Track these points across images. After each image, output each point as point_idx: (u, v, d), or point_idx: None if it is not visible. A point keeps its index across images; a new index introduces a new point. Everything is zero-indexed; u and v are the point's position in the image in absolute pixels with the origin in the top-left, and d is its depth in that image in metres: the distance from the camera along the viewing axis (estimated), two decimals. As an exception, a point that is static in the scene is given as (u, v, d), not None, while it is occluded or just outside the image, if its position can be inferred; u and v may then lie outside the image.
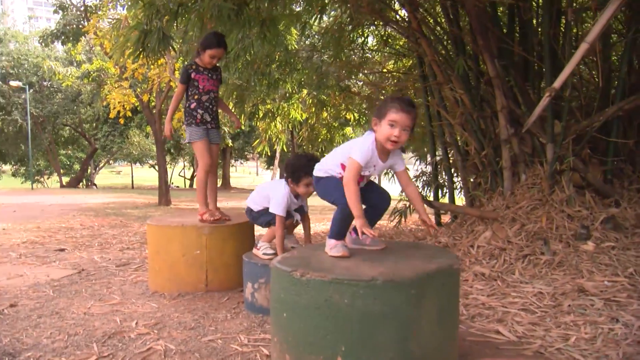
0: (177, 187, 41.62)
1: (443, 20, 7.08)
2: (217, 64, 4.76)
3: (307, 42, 9.98)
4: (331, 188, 2.71)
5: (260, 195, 3.89)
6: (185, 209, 14.45)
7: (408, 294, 2.10)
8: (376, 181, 2.99)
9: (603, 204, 5.62)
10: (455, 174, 7.13)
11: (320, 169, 2.81)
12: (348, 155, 2.62)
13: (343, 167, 2.67)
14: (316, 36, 10.23)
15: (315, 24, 8.63)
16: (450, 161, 7.03)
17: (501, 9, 7.04)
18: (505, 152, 5.98)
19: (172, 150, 33.81)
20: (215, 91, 4.68)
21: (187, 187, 41.75)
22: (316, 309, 2.14)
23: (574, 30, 6.43)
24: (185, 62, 8.96)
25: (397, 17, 7.43)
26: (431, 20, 7.45)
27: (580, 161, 5.92)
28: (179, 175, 45.60)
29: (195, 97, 4.53)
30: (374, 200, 2.82)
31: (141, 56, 6.09)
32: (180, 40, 6.82)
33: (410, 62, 8.80)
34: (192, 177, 40.70)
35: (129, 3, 6.77)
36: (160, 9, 5.93)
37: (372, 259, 2.45)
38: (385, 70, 9.39)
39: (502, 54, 6.11)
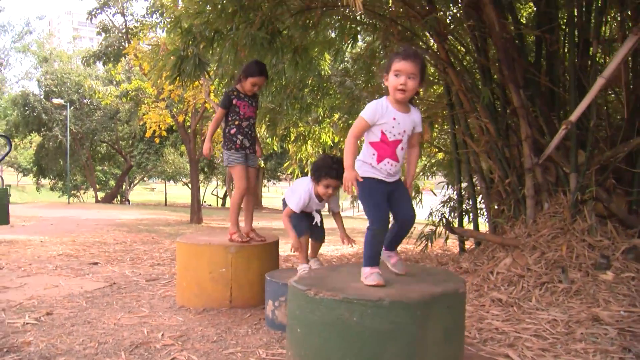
0: (210, 205, 42.12)
1: (472, 49, 7.23)
2: (257, 92, 4.84)
3: (339, 67, 10.20)
4: (362, 196, 2.70)
5: (291, 189, 4.02)
6: (216, 228, 14.73)
7: (414, 315, 2.25)
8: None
9: (626, 234, 5.65)
10: (480, 201, 7.21)
11: (359, 167, 2.73)
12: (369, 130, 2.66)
13: (372, 144, 2.67)
14: (349, 61, 10.48)
15: (349, 49, 8.88)
16: (476, 188, 7.12)
17: (529, 39, 7.18)
18: (529, 180, 6.06)
19: (205, 170, 34.34)
20: (254, 117, 4.78)
21: (220, 206, 42.23)
22: (328, 326, 2.30)
23: (601, 61, 6.53)
24: (220, 85, 9.28)
25: (425, 46, 7.58)
26: (461, 49, 7.59)
27: (604, 191, 5.96)
28: (212, 194, 46.15)
29: (236, 122, 4.62)
30: (402, 215, 2.76)
31: (177, 80, 6.39)
32: (216, 65, 7.06)
33: (440, 89, 8.94)
34: (225, 196, 41.17)
35: (168, 27, 7.09)
36: (197, 36, 6.23)
37: (384, 280, 2.60)
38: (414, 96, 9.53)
39: (528, 84, 6.22)
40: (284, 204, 3.97)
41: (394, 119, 2.63)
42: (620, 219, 5.83)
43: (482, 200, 7.04)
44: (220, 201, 44.78)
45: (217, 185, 46.53)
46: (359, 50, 10.15)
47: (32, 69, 36.96)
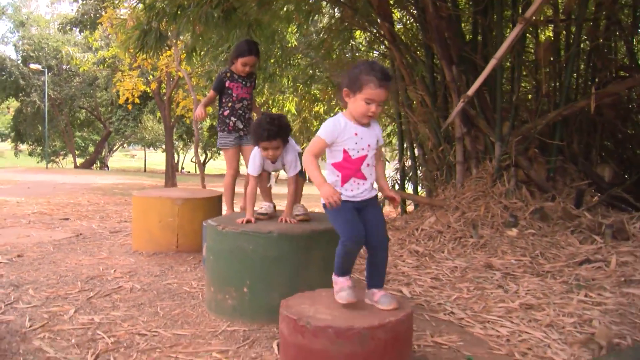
0: (189, 172, 42.63)
1: (416, 28, 7.85)
2: (252, 71, 4.76)
3: (302, 40, 10.74)
4: (330, 217, 2.53)
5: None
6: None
7: (297, 245, 2.94)
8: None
9: (541, 197, 6.39)
10: (418, 167, 7.92)
11: None
12: (329, 151, 2.54)
13: (335, 165, 2.53)
14: (313, 35, 11.03)
15: (318, 22, 9.42)
16: (416, 155, 7.82)
17: (467, 20, 7.82)
18: (459, 148, 6.76)
19: (184, 136, 34.77)
20: (248, 99, 4.72)
21: (198, 172, 42.72)
22: (231, 253, 2.99)
23: (526, 41, 7.22)
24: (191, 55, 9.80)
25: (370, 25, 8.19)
26: (411, 28, 8.22)
27: (525, 159, 6.70)
28: (191, 161, 46.61)
29: (229, 104, 4.63)
30: (371, 239, 2.50)
31: (141, 52, 6.94)
32: (176, 39, 7.60)
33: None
34: (204, 163, 41.62)
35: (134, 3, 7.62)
36: (159, 12, 6.76)
37: (278, 224, 3.23)
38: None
39: (463, 60, 6.87)
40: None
41: (356, 134, 2.47)
42: (538, 184, 6.56)
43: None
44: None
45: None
46: (324, 24, 10.66)
47: (8, 34, 36.84)
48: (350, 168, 2.50)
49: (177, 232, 4.78)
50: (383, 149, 10.94)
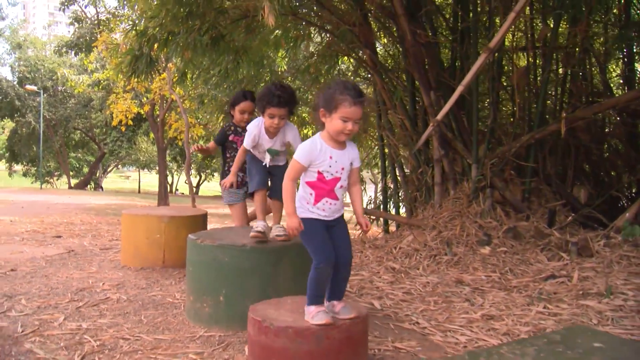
0: (182, 194, 42.79)
1: (399, 54, 8.20)
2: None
3: (292, 64, 11.08)
4: (304, 237, 2.60)
5: None
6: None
7: (268, 257, 3.20)
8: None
9: (516, 217, 6.67)
10: (400, 188, 8.21)
11: (297, 207, 2.63)
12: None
13: (310, 184, 2.60)
14: (302, 60, 11.37)
15: (307, 47, 9.75)
16: (397, 177, 8.12)
17: (446, 47, 8.18)
18: (437, 170, 7.06)
19: (177, 158, 35.05)
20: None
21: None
22: (208, 264, 3.26)
23: (502, 68, 7.58)
24: (181, 79, 10.11)
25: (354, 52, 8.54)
26: (394, 54, 8.57)
27: (501, 180, 7.00)
28: (185, 182, 46.81)
29: (227, 165, 4.58)
30: (338, 257, 2.57)
31: (132, 76, 7.25)
32: (165, 64, 7.92)
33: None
34: (198, 185, 41.82)
35: (125, 30, 7.94)
36: (150, 38, 7.08)
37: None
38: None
39: (441, 86, 7.19)
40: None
41: (330, 157, 2.54)
42: (513, 205, 6.85)
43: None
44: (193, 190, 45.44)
45: (190, 174, 47.22)
46: (313, 49, 10.99)
47: (4, 55, 37.26)
48: (323, 188, 2.58)
49: (163, 248, 5.03)
50: (369, 171, 11.25)
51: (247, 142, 3.45)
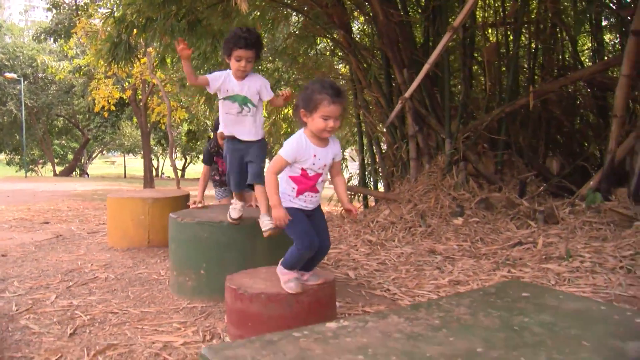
0: (168, 177, 42.80)
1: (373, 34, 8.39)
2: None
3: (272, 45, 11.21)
4: (288, 226, 2.66)
5: None
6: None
7: (245, 232, 3.43)
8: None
9: (489, 189, 6.93)
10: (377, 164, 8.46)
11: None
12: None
13: (292, 178, 2.69)
14: (280, 41, 11.51)
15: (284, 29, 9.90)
16: (375, 153, 8.36)
17: (418, 28, 8.38)
18: (412, 145, 7.30)
19: (162, 142, 35.03)
20: None
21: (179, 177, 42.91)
22: (188, 241, 3.48)
23: (475, 45, 7.78)
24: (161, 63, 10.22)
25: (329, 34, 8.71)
26: (369, 33, 8.75)
27: (474, 154, 7.25)
28: (170, 166, 46.76)
29: (216, 177, 5.21)
30: (319, 245, 2.72)
31: (112, 63, 7.39)
32: (144, 49, 8.05)
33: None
34: (184, 167, 41.84)
35: (103, 17, 8.05)
36: (129, 24, 7.21)
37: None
38: (331, 74, 10.69)
39: (414, 64, 7.39)
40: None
41: (314, 155, 2.63)
42: (486, 177, 7.12)
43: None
44: (179, 173, 45.47)
45: (176, 157, 47.18)
46: (293, 30, 11.12)
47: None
48: (306, 183, 2.68)
49: (148, 229, 5.25)
50: (350, 149, 11.44)
51: (212, 86, 3.25)
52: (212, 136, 5.70)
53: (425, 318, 1.71)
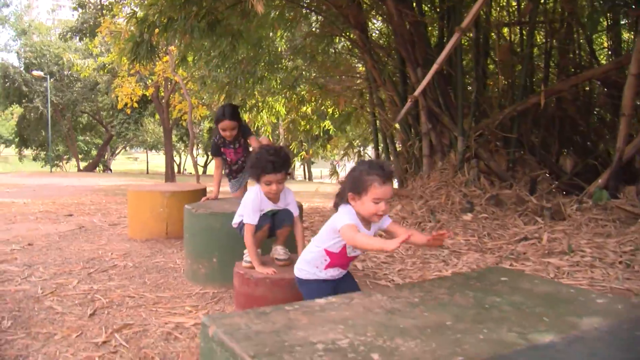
0: (190, 173, 43.27)
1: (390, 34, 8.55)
2: (236, 133, 4.69)
3: (289, 45, 11.43)
4: (304, 291, 2.58)
5: (242, 202, 3.22)
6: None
7: (255, 223, 3.62)
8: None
9: (500, 186, 7.06)
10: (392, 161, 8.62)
11: (301, 268, 2.60)
12: (331, 234, 2.46)
13: (328, 252, 2.50)
14: (299, 40, 11.72)
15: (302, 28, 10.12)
16: (389, 150, 8.53)
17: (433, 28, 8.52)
18: (425, 143, 7.45)
19: (184, 138, 35.45)
20: (241, 158, 4.83)
21: (200, 174, 43.40)
22: (203, 230, 3.69)
23: (489, 45, 7.90)
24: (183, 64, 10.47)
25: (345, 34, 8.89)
26: (386, 33, 8.92)
27: (486, 151, 7.38)
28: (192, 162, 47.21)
29: (227, 167, 4.91)
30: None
31: (135, 62, 7.64)
32: (166, 48, 8.30)
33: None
34: (206, 164, 42.26)
35: (127, 17, 8.31)
36: (151, 24, 7.45)
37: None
38: (349, 72, 10.87)
39: (429, 63, 7.53)
40: (239, 227, 3.22)
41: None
42: (498, 174, 7.24)
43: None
44: (200, 169, 45.98)
45: (198, 154, 47.69)
46: (311, 29, 11.31)
47: (10, 42, 37.63)
48: (340, 260, 2.53)
49: (166, 221, 5.48)
50: (366, 147, 11.55)
51: (250, 219, 3.07)
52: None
53: (407, 297, 1.89)
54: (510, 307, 1.78)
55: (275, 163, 2.97)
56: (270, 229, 3.17)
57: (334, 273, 2.57)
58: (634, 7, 6.08)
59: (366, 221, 2.40)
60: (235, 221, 3.21)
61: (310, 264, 2.55)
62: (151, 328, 2.93)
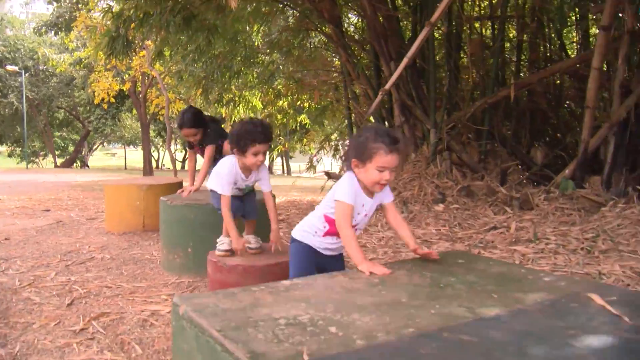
0: (168, 168, 43.09)
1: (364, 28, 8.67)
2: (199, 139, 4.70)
3: (265, 40, 11.49)
4: (291, 257, 2.56)
5: (214, 173, 3.23)
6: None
7: (229, 213, 3.73)
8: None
9: (472, 177, 7.23)
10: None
11: (299, 228, 2.57)
12: (331, 202, 2.37)
13: (327, 218, 2.44)
14: (275, 35, 11.79)
15: (280, 23, 10.20)
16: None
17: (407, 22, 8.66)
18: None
19: (162, 133, 35.29)
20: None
21: (178, 169, 43.23)
22: (177, 221, 3.78)
23: (462, 39, 8.06)
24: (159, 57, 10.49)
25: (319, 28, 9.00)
26: (361, 27, 9.03)
27: (458, 144, 7.54)
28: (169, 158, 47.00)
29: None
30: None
31: (112, 57, 7.68)
32: (142, 42, 8.33)
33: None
34: (184, 159, 42.10)
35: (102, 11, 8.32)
36: (126, 19, 7.48)
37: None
38: (325, 67, 10.97)
39: (402, 57, 7.65)
40: (213, 196, 3.25)
41: (363, 205, 2.37)
42: (470, 166, 7.40)
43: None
44: (179, 165, 45.82)
45: (176, 149, 47.50)
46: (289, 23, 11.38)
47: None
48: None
49: (143, 214, 5.56)
50: (341, 139, 11.66)
51: (225, 190, 3.06)
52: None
53: (367, 278, 2.01)
54: (464, 286, 1.91)
55: (265, 133, 2.97)
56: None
57: (331, 243, 2.50)
58: (592, 4, 6.28)
59: (368, 190, 2.35)
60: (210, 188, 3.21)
61: (310, 227, 2.51)
62: (128, 316, 3.02)
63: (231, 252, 3.15)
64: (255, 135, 2.94)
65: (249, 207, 3.33)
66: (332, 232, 2.44)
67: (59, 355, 2.51)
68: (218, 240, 3.24)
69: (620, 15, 5.66)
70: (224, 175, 3.07)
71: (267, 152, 3.17)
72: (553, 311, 1.66)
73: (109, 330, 2.81)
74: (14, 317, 3.02)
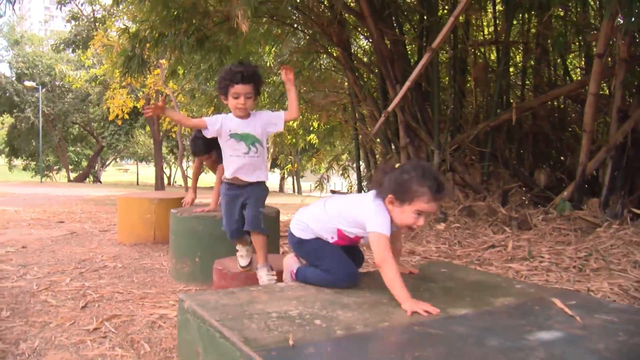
0: (180, 185, 43.45)
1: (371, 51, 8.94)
2: None
3: (278, 60, 11.78)
4: (314, 254, 2.39)
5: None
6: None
7: (235, 226, 3.95)
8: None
9: (474, 198, 7.41)
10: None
11: (304, 229, 2.44)
12: (352, 222, 2.31)
13: (340, 234, 2.36)
14: (286, 55, 12.08)
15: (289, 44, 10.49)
16: (370, 163, 8.89)
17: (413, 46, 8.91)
18: (403, 156, 7.80)
19: (174, 150, 35.71)
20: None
21: (189, 185, 43.58)
22: (186, 233, 4.01)
23: (466, 63, 8.30)
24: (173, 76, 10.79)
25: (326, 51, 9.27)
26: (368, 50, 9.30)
27: (461, 165, 7.74)
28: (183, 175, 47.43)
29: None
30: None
31: (127, 75, 7.98)
32: (156, 62, 8.63)
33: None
34: (195, 176, 42.43)
35: (119, 32, 8.66)
36: (142, 39, 7.79)
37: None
38: (334, 88, 11.23)
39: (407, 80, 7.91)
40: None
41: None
42: (473, 187, 7.59)
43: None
44: (190, 181, 46.15)
45: (188, 166, 47.94)
46: (296, 46, 11.68)
47: (2, 52, 37.91)
48: (349, 242, 2.42)
49: (154, 226, 5.80)
50: (350, 161, 11.88)
51: (210, 129, 2.91)
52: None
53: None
54: (441, 291, 2.12)
55: (244, 73, 2.80)
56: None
57: (341, 244, 2.42)
58: (592, 32, 6.49)
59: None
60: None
61: (321, 232, 2.40)
62: (137, 318, 3.24)
63: (250, 268, 3.18)
64: (231, 75, 2.82)
65: (250, 216, 3.01)
66: (342, 244, 2.39)
67: (74, 350, 2.73)
68: (238, 253, 3.25)
69: (611, 43, 5.87)
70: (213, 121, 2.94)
71: (254, 97, 2.94)
72: (516, 312, 1.86)
73: (120, 330, 3.03)
74: (33, 317, 3.24)
